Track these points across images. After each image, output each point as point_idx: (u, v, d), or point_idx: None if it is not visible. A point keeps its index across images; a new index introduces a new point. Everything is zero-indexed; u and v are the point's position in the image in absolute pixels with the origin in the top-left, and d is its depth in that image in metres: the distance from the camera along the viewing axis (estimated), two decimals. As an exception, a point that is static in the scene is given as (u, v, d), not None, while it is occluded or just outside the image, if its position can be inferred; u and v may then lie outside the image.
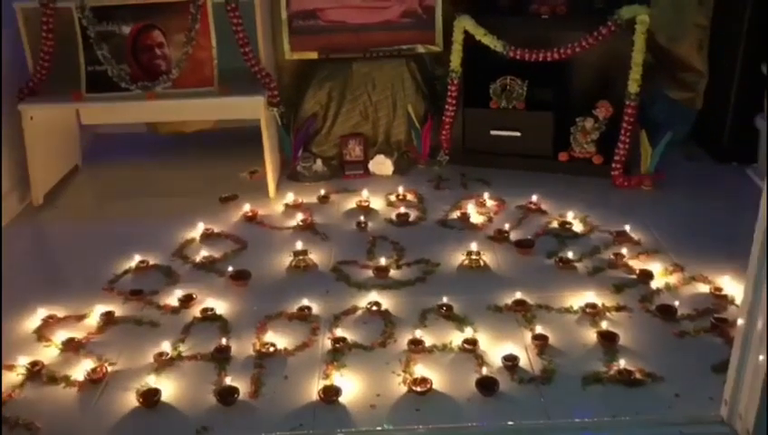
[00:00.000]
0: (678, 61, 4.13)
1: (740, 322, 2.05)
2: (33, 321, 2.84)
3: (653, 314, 2.72)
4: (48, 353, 2.65)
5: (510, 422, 2.21)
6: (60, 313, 2.88)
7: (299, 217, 3.58)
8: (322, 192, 3.85)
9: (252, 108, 3.77)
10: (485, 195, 3.72)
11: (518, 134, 4.01)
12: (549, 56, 3.76)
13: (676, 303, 2.74)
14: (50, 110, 3.85)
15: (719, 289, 2.84)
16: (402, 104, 4.17)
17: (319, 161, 4.10)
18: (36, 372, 2.54)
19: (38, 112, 3.75)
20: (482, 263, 3.10)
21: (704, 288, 2.89)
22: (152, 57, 3.72)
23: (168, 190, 4.09)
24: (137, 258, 3.24)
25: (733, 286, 2.85)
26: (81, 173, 4.38)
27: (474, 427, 2.21)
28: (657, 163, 3.81)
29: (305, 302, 2.86)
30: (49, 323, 2.82)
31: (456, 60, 3.94)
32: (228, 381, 2.42)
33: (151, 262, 3.24)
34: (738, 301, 2.73)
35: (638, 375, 2.38)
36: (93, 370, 2.51)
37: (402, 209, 3.63)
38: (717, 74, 4.07)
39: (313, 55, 4.15)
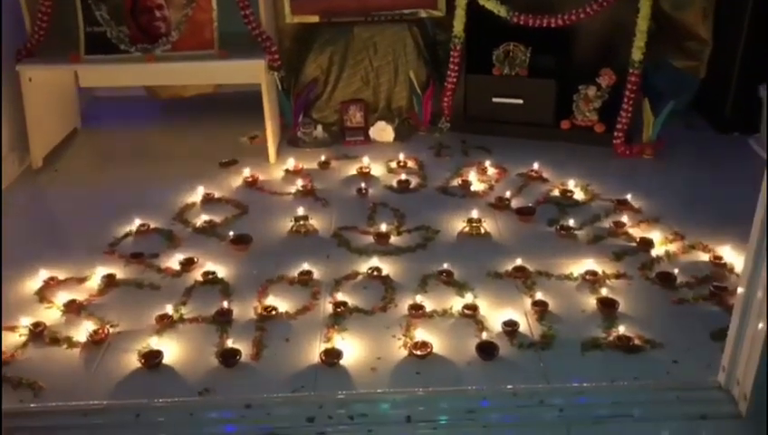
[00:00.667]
0: (683, 28, 4.09)
1: (740, 290, 2.06)
2: (35, 282, 2.84)
3: (652, 282, 2.74)
4: (50, 315, 2.66)
5: (509, 386, 2.23)
6: (61, 274, 2.88)
7: (299, 183, 3.57)
8: (323, 158, 3.84)
9: (252, 72, 3.73)
10: (487, 163, 3.71)
11: (520, 102, 3.99)
12: (553, 22, 3.72)
13: (676, 271, 2.75)
14: (48, 71, 3.81)
15: (719, 258, 2.85)
16: (404, 70, 4.14)
17: (319, 127, 4.07)
18: (38, 333, 2.54)
19: (36, 74, 3.72)
20: (482, 230, 3.10)
21: (703, 257, 2.90)
22: (151, 19, 3.67)
23: (167, 154, 4.07)
24: (137, 222, 3.24)
25: (732, 256, 2.86)
26: (80, 136, 4.35)
27: (473, 390, 2.23)
28: (659, 132, 3.79)
29: (306, 266, 2.87)
30: (50, 285, 2.82)
31: (458, 25, 3.90)
32: (230, 343, 2.44)
33: (152, 225, 3.24)
34: (738, 270, 2.76)
35: (636, 341, 2.40)
36: (95, 331, 2.52)
37: (403, 176, 3.62)
38: (721, 43, 4.04)
39: (314, 19, 4.09)
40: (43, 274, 2.86)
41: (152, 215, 3.33)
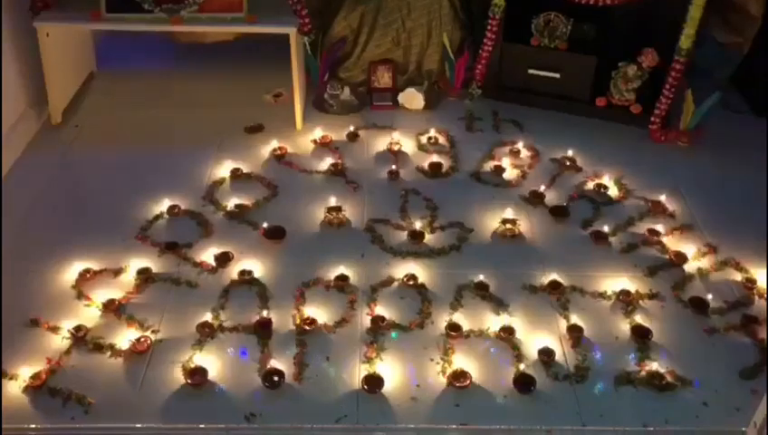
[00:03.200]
0: (732, 1, 3.90)
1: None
2: (70, 273, 2.84)
3: (684, 305, 2.78)
4: (89, 315, 2.68)
5: (545, 428, 2.31)
6: (95, 265, 2.88)
7: (329, 161, 3.50)
8: (351, 128, 3.75)
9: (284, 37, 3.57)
10: (519, 144, 3.64)
11: (557, 76, 3.85)
12: (601, 0, 3.52)
13: (709, 296, 2.79)
14: (67, 28, 3.61)
15: (751, 281, 2.88)
16: (437, 33, 3.96)
17: (347, 90, 3.94)
18: (81, 338, 2.58)
19: (55, 29, 3.52)
20: (516, 232, 3.09)
21: (735, 275, 2.93)
22: (177, -24, 3.45)
23: (189, 108, 3.98)
24: (167, 203, 3.20)
25: (763, 277, 2.89)
26: (97, 81, 4.21)
27: (511, 431, 2.31)
28: (698, 122, 3.70)
29: (341, 269, 2.88)
30: (86, 278, 2.83)
31: (499, -8, 3.70)
32: (272, 362, 2.49)
33: (182, 207, 3.21)
34: (768, 293, 2.82)
35: (668, 378, 2.47)
36: (138, 340, 2.56)
37: (434, 158, 3.55)
38: (771, 22, 3.87)
39: (346, -26, 3.87)
40: (78, 265, 2.86)
41: (181, 192, 3.29)
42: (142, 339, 2.57)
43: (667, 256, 2.99)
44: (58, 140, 3.66)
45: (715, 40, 4.01)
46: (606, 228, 3.12)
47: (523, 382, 2.44)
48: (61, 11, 3.51)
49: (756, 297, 2.83)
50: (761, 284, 2.87)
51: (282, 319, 2.69)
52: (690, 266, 2.96)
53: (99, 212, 3.21)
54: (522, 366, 2.50)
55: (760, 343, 2.62)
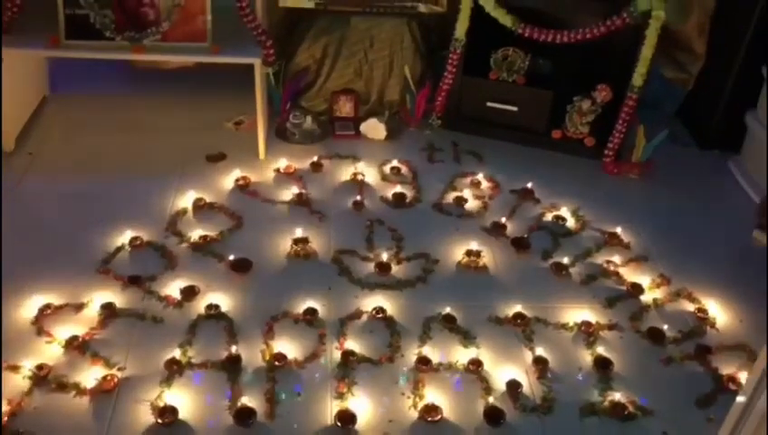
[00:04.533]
0: (678, 40, 4.10)
1: (740, 399, 2.19)
2: (29, 309, 2.76)
3: (642, 336, 2.89)
4: (51, 353, 2.61)
5: (516, 460, 2.37)
6: (56, 300, 2.80)
7: (293, 190, 3.51)
8: (315, 158, 3.77)
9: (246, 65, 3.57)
10: (480, 175, 3.73)
11: (515, 109, 3.97)
12: (559, 38, 3.65)
13: (665, 327, 2.91)
14: (22, 52, 3.52)
15: (703, 311, 3.01)
16: (399, 65, 4.03)
17: (309, 118, 3.96)
18: (43, 377, 2.51)
19: (11, 54, 3.43)
20: (480, 263, 3.16)
21: (688, 306, 3.06)
22: (139, 4, 3.40)
23: (147, 134, 3.92)
24: (128, 234, 3.15)
25: (714, 308, 3.04)
26: (51, 105, 4.11)
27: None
28: (648, 156, 3.86)
29: (309, 302, 2.88)
30: (46, 314, 2.75)
31: (461, 28, 3.79)
32: (243, 400, 2.47)
33: (145, 238, 3.16)
34: (719, 324, 2.97)
35: (630, 408, 2.56)
36: (104, 378, 2.50)
37: (398, 188, 3.60)
38: (715, 61, 4.07)
39: (310, 4, 3.89)
40: (38, 299, 2.79)
41: (143, 222, 3.24)
42: (108, 377, 2.52)
43: (624, 288, 3.11)
44: (11, 169, 3.56)
45: (662, 75, 4.20)
46: (566, 260, 3.22)
47: (493, 416, 2.49)
48: (16, 35, 3.41)
49: (708, 327, 2.96)
50: (712, 314, 3.01)
51: (251, 354, 2.67)
52: (646, 297, 3.08)
53: (57, 244, 3.12)
54: (491, 399, 2.55)
55: (713, 373, 2.74)
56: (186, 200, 3.40)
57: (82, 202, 3.37)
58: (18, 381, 2.49)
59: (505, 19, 3.67)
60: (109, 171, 3.61)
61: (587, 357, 2.77)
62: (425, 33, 4.08)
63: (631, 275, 3.19)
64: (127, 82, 4.36)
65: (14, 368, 2.53)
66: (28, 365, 2.52)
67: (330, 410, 2.48)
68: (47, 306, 2.77)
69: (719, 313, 3.02)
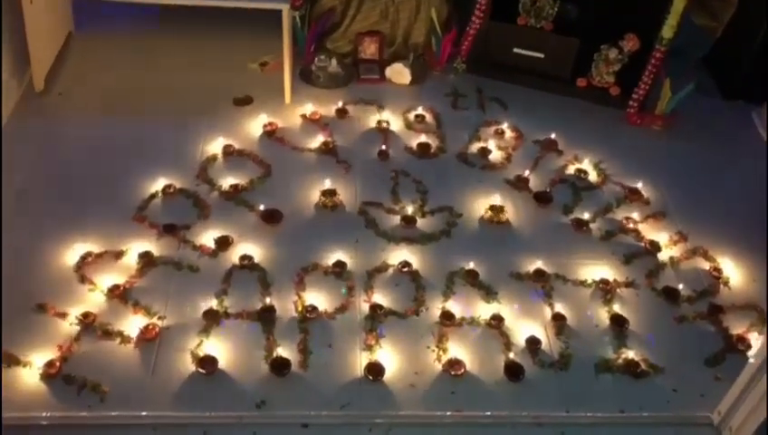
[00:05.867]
0: (711, -15, 4.01)
1: (752, 361, 2.33)
2: (71, 256, 2.89)
3: (657, 294, 3.00)
4: (95, 300, 2.75)
5: (533, 414, 2.54)
6: (95, 247, 2.93)
7: (319, 139, 3.56)
8: (340, 104, 3.79)
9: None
10: (504, 125, 3.76)
11: (541, 56, 3.94)
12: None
13: (680, 286, 3.01)
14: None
15: (718, 270, 3.11)
16: (425, 7, 3.98)
17: (333, 61, 3.95)
18: (89, 324, 2.66)
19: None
20: (503, 218, 3.24)
21: (704, 264, 3.16)
22: (167, -54, 3.37)
23: (175, 71, 3.97)
24: (161, 181, 3.23)
25: (730, 267, 3.13)
26: (76, 43, 4.12)
27: (501, 417, 2.52)
28: (673, 107, 3.86)
29: (338, 254, 2.99)
30: (88, 262, 2.88)
31: (490, -27, 3.73)
32: (278, 351, 2.62)
33: (177, 185, 3.25)
34: (732, 283, 3.08)
35: (642, 366, 2.71)
36: (146, 327, 2.66)
37: (422, 138, 3.64)
38: (748, 7, 3.99)
39: (336, -56, 3.82)
40: (79, 247, 2.91)
41: (174, 169, 3.32)
42: (150, 326, 2.67)
43: (643, 244, 3.20)
44: (42, 110, 3.61)
45: (690, 21, 4.12)
46: (586, 215, 3.30)
47: (513, 371, 2.64)
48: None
49: (721, 286, 3.07)
50: (726, 273, 3.11)
51: (284, 305, 2.81)
52: (663, 255, 3.17)
53: (93, 190, 3.22)
54: (511, 355, 2.70)
55: (724, 332, 2.87)
56: (215, 146, 3.47)
57: (114, 146, 3.44)
58: (66, 328, 2.65)
59: (537, -34, 3.60)
60: (137, 113, 3.66)
61: (603, 314, 2.90)
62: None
63: (650, 231, 3.27)
64: (150, 19, 4.32)
65: (62, 315, 2.69)
66: (74, 312, 2.68)
67: (359, 361, 2.64)
68: (88, 254, 2.90)
69: (733, 271, 3.12)
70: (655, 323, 2.89)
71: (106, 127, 3.56)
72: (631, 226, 3.27)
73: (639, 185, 3.47)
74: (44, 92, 3.70)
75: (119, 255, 2.93)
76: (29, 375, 2.49)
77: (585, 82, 3.98)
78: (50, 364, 2.51)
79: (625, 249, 3.18)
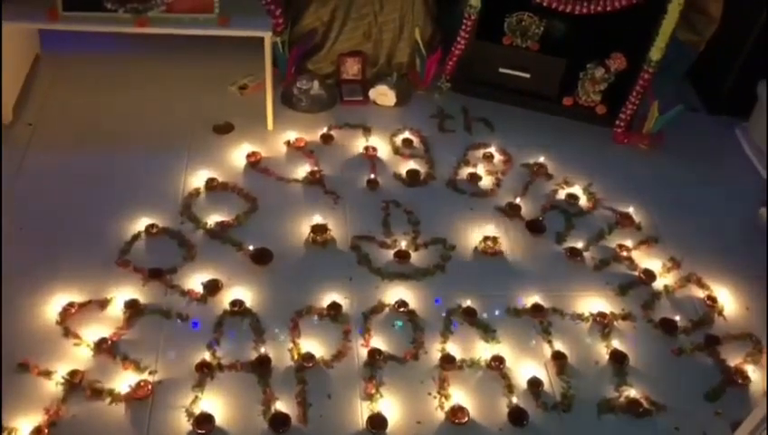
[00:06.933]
0: (694, 2, 3.98)
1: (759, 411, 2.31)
2: (52, 307, 2.76)
3: (654, 326, 2.99)
4: (81, 356, 2.63)
5: (540, 461, 2.51)
6: (78, 297, 2.80)
7: (305, 168, 3.46)
8: (325, 129, 3.69)
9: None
10: (492, 148, 3.70)
11: (527, 75, 3.89)
12: (578, 9, 3.54)
13: (677, 318, 3.01)
14: (20, 27, 3.32)
15: (712, 298, 3.11)
16: (409, 27, 3.89)
17: (316, 83, 3.84)
18: (77, 384, 2.53)
19: (6, 27, 3.23)
20: (497, 249, 3.19)
21: (698, 292, 3.16)
22: (141, -28, 3.21)
23: (150, 97, 3.80)
24: (143, 221, 3.11)
25: (724, 295, 3.14)
26: (44, 66, 3.93)
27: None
28: (660, 128, 3.85)
29: (332, 295, 2.92)
30: (71, 314, 2.75)
31: (476, -6, 3.65)
32: (277, 405, 2.54)
33: (160, 224, 3.12)
34: (727, 311, 3.08)
35: (644, 404, 2.69)
36: (138, 384, 2.55)
37: (411, 164, 3.57)
38: (730, 25, 3.98)
39: (317, -36, 3.69)
40: (60, 297, 2.78)
41: (156, 206, 3.20)
42: (142, 383, 2.56)
43: (636, 273, 3.18)
44: (11, 143, 3.43)
45: (674, 36, 4.11)
46: (579, 244, 3.27)
47: (517, 416, 2.61)
48: (12, 6, 3.20)
49: (716, 315, 3.07)
50: (720, 301, 3.12)
51: (279, 353, 2.72)
52: (657, 283, 3.16)
53: (71, 231, 3.07)
54: (514, 399, 2.66)
55: (721, 364, 2.88)
56: (197, 180, 3.35)
57: (91, 182, 3.29)
58: (52, 388, 2.52)
59: (524, -12, 3.54)
60: (112, 144, 3.50)
61: (602, 350, 2.87)
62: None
63: (643, 258, 3.26)
64: (119, 39, 4.11)
65: (47, 373, 2.56)
66: (61, 371, 2.55)
67: (360, 412, 2.57)
68: (71, 305, 2.77)
69: (727, 298, 3.13)
70: (654, 357, 2.88)
71: (81, 161, 3.40)
72: (624, 253, 3.25)
73: (631, 210, 3.45)
74: (13, 123, 3.53)
75: (103, 304, 2.80)
76: (15, 443, 2.38)
77: (571, 100, 3.94)
78: (37, 431, 2.39)
79: (620, 279, 3.16)
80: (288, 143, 3.60)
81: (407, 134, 3.73)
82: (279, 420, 2.50)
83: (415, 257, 3.14)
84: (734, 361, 2.89)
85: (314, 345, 2.76)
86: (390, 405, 2.60)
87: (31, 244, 2.99)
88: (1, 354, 2.57)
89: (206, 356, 2.67)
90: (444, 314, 2.91)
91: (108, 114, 3.66)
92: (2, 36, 3.22)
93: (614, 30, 3.80)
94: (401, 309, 2.91)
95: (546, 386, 2.72)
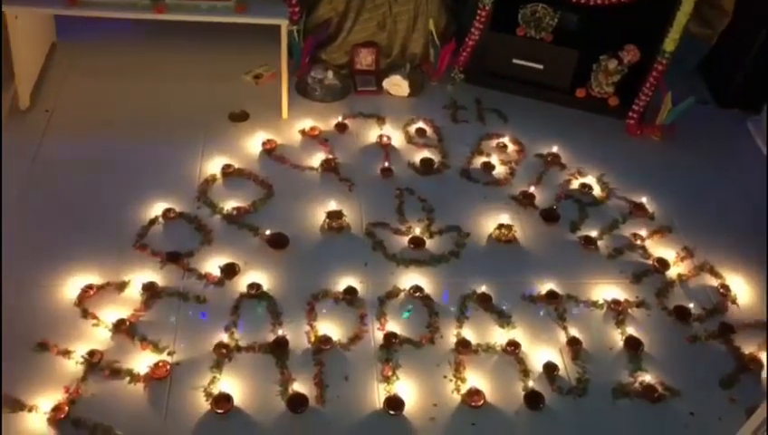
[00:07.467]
0: (707, -5, 4.01)
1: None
2: (70, 289, 2.78)
3: (668, 314, 3.00)
4: (100, 337, 2.65)
5: (556, 444, 2.52)
6: (96, 279, 2.82)
7: (320, 156, 3.48)
8: (339, 118, 3.71)
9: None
10: (505, 138, 3.72)
11: (540, 66, 3.90)
12: (592, 0, 3.56)
13: (690, 305, 3.02)
14: (40, 12, 3.35)
15: (725, 287, 3.12)
16: (423, 18, 3.91)
17: (330, 73, 3.86)
18: (96, 363, 2.55)
19: (23, 12, 3.26)
20: (511, 237, 3.21)
21: (711, 281, 3.17)
22: (160, -41, 3.23)
23: (166, 83, 3.83)
24: (160, 205, 3.13)
25: (737, 283, 3.15)
26: (60, 54, 3.96)
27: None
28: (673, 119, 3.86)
29: (347, 280, 2.93)
30: (89, 296, 2.77)
31: (492, -16, 3.67)
32: (294, 386, 2.55)
33: (177, 209, 3.14)
34: (740, 300, 3.09)
35: (659, 389, 2.71)
36: (156, 364, 2.56)
37: (425, 153, 3.58)
38: (743, 17, 4.00)
39: (333, -46, 3.72)
40: (78, 279, 2.80)
41: (173, 191, 3.22)
42: (160, 364, 2.58)
43: (650, 262, 3.19)
44: (29, 129, 3.46)
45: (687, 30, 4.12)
46: (593, 233, 3.28)
47: (533, 399, 2.62)
48: (31, -9, 3.25)
49: (730, 303, 3.08)
50: (733, 290, 3.13)
51: (296, 336, 2.74)
52: (671, 272, 3.17)
53: (88, 215, 3.09)
54: (530, 383, 2.67)
55: (735, 352, 2.89)
56: (214, 166, 3.37)
57: (108, 167, 3.31)
58: (71, 368, 2.55)
59: (539, -22, 3.56)
60: (128, 131, 3.53)
61: (617, 336, 2.89)
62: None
63: (656, 247, 3.27)
64: (136, 25, 4.14)
65: (66, 353, 2.58)
66: (79, 351, 2.57)
67: (377, 393, 2.59)
68: (89, 287, 2.79)
69: (740, 287, 3.14)
70: (668, 344, 2.89)
71: (97, 147, 3.42)
72: (638, 242, 3.27)
73: (644, 200, 3.46)
74: (30, 110, 3.55)
75: (121, 286, 2.82)
76: (35, 420, 2.38)
77: (584, 92, 3.96)
78: (57, 408, 2.41)
79: (634, 268, 3.17)
80: (303, 132, 3.63)
81: (420, 124, 3.75)
82: (297, 401, 2.52)
83: (429, 244, 3.16)
84: (748, 348, 2.89)
85: (331, 328, 2.78)
86: (407, 387, 2.62)
87: (48, 227, 3.01)
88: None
89: (224, 338, 2.69)
90: (456, 303, 2.92)
91: (124, 102, 3.69)
92: (16, 23, 3.27)
93: (627, 22, 3.81)
94: (416, 294, 2.93)
95: (561, 371, 2.73)
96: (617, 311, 2.97)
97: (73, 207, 3.13)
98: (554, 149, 3.68)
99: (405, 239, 3.16)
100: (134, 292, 2.82)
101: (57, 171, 3.29)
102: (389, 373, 2.64)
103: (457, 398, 2.61)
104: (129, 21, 4.03)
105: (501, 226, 3.22)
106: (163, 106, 3.69)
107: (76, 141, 3.44)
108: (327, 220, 3.16)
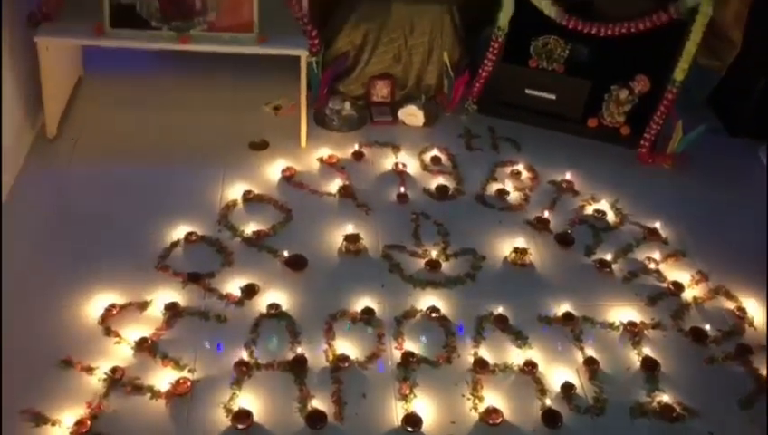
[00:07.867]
0: (715, 28, 4.10)
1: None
2: (94, 308, 2.83)
3: (684, 335, 3.01)
4: (122, 354, 2.69)
5: (575, 462, 2.52)
6: (119, 299, 2.88)
7: (337, 182, 3.56)
8: (356, 147, 3.80)
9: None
10: (519, 165, 3.79)
11: (553, 97, 3.99)
12: (603, 31, 3.66)
13: (707, 327, 3.03)
14: (67, 43, 3.49)
15: (741, 310, 3.14)
16: (438, 51, 4.02)
17: (347, 104, 3.96)
18: (118, 380, 2.60)
19: (55, 43, 3.40)
20: (527, 261, 3.25)
21: (727, 304, 3.18)
22: (185, -7, 3.37)
23: (187, 113, 3.94)
24: (182, 228, 3.20)
25: (753, 306, 3.16)
26: (86, 86, 4.08)
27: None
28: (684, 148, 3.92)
29: (365, 301, 2.98)
30: (112, 314, 2.82)
31: (504, 17, 3.79)
32: (313, 403, 2.58)
33: (199, 232, 3.21)
34: (757, 322, 3.10)
35: (677, 409, 2.70)
36: (177, 381, 2.60)
37: (440, 179, 3.66)
38: (751, 48, 4.09)
39: (350, -11, 3.86)
40: (102, 298, 2.86)
41: (194, 215, 3.29)
42: (181, 380, 2.61)
43: (665, 285, 3.22)
44: (56, 157, 3.57)
45: (696, 62, 4.21)
46: (608, 256, 3.32)
47: (551, 418, 2.62)
48: (60, 23, 3.38)
49: (746, 326, 3.09)
50: (750, 312, 3.14)
51: (314, 354, 2.77)
52: (686, 295, 3.19)
53: (112, 239, 3.16)
54: (547, 401, 2.68)
55: (754, 373, 2.88)
56: (235, 192, 3.45)
57: (131, 192, 3.40)
58: (94, 384, 2.58)
59: (550, 10, 3.66)
60: (152, 158, 3.63)
61: (634, 357, 2.90)
62: (464, 18, 4.05)
63: (670, 271, 3.29)
64: (159, 60, 4.31)
65: (89, 369, 2.62)
66: (102, 368, 2.62)
67: (395, 411, 2.60)
68: (112, 306, 2.85)
69: (756, 310, 3.15)
70: (685, 365, 2.89)
71: (121, 173, 3.52)
72: (653, 266, 3.30)
73: (657, 225, 3.50)
74: (57, 138, 3.66)
75: (143, 306, 2.88)
76: (58, 434, 2.42)
77: (596, 121, 4.03)
78: (79, 423, 2.44)
79: (649, 290, 3.19)
80: (321, 160, 3.71)
81: (435, 152, 3.83)
82: (316, 417, 2.54)
83: (445, 267, 3.20)
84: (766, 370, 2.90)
85: (349, 347, 2.81)
86: (425, 405, 2.63)
87: (73, 249, 3.09)
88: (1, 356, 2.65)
89: (244, 355, 2.73)
90: (472, 324, 2.95)
91: (148, 131, 3.80)
92: (45, 55, 3.40)
93: (638, 53, 3.91)
94: (433, 315, 2.96)
95: (579, 390, 2.74)
96: (633, 332, 2.98)
97: (97, 229, 3.20)
98: (567, 176, 3.74)
99: (421, 262, 3.21)
100: (156, 311, 2.87)
101: (82, 196, 3.39)
102: (407, 392, 2.66)
103: (475, 416, 2.62)
104: (150, 55, 4.28)
105: (516, 249, 3.26)
106: (185, 135, 3.80)
107: (101, 168, 3.54)
108: (344, 243, 3.22)
